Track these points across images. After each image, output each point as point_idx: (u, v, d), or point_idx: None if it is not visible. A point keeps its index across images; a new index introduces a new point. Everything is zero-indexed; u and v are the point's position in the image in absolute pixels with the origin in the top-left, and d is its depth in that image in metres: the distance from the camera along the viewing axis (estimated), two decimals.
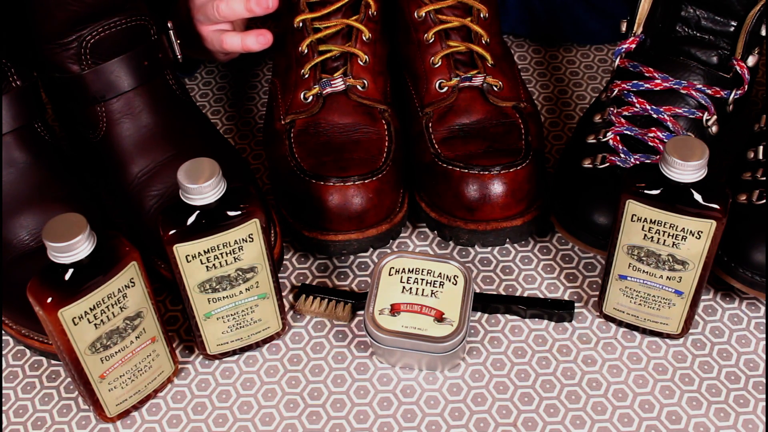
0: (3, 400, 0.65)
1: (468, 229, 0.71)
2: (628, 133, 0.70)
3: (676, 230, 0.59)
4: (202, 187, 0.56)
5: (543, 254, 0.73)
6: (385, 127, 0.74)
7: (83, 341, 0.57)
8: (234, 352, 0.67)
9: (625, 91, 0.71)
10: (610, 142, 0.70)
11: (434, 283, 0.65)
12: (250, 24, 0.81)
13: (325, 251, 0.71)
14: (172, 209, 0.58)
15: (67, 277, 0.54)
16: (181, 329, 0.70)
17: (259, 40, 0.75)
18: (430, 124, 0.73)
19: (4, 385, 0.66)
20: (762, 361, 0.66)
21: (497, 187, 0.68)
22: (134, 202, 0.70)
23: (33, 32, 0.67)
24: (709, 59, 0.70)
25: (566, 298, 0.70)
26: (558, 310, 0.68)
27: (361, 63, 0.75)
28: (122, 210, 0.72)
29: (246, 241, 0.59)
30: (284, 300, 0.70)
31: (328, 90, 0.74)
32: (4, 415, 0.64)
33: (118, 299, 0.57)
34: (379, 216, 0.70)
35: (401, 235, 0.75)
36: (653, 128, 0.69)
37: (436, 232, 0.74)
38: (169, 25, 0.73)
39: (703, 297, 0.70)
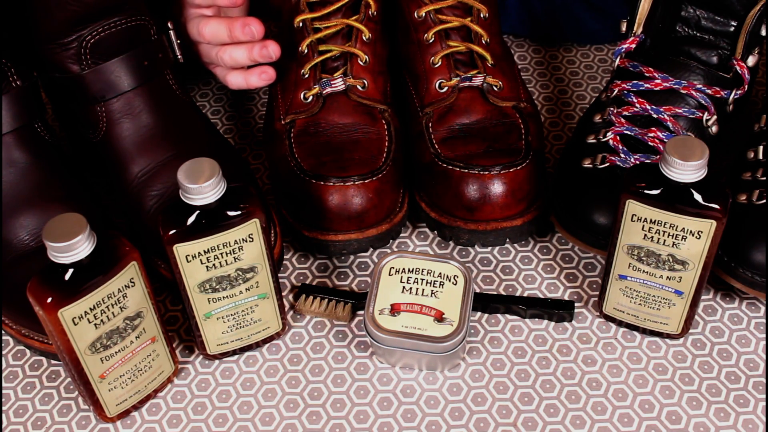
0: (3, 400, 0.65)
1: (468, 229, 0.71)
2: (628, 133, 0.70)
3: (676, 230, 0.59)
4: (202, 187, 0.56)
5: (543, 254, 0.73)
6: (385, 127, 0.73)
7: (83, 341, 0.57)
8: (234, 352, 0.67)
9: (625, 91, 0.71)
10: (610, 142, 0.70)
11: (434, 283, 0.65)
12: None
13: (325, 251, 0.71)
14: (172, 209, 0.58)
15: (67, 277, 0.54)
16: (181, 329, 0.70)
17: (262, 77, 0.75)
18: (430, 124, 0.73)
19: (4, 385, 0.66)
20: (762, 361, 0.65)
21: (497, 187, 0.68)
22: (134, 202, 0.70)
23: (33, 32, 0.67)
24: (709, 59, 0.70)
25: (566, 298, 0.70)
26: (558, 310, 0.68)
27: (361, 63, 0.75)
28: (122, 210, 0.72)
29: (246, 241, 0.59)
30: (284, 300, 0.70)
31: (328, 90, 0.74)
32: (4, 415, 0.64)
33: (118, 299, 0.57)
34: (379, 216, 0.70)
35: (401, 235, 0.75)
36: (653, 128, 0.69)
37: (436, 232, 0.74)
38: (169, 25, 0.73)
39: (703, 297, 0.69)
